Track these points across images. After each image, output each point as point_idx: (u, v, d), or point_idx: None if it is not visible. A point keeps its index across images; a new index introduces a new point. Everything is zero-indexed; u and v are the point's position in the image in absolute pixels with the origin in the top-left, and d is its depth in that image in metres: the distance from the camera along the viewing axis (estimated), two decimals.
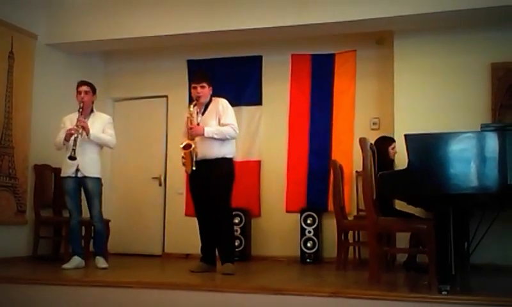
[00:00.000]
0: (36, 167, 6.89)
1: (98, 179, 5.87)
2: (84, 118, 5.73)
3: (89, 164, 5.74)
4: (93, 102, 5.91)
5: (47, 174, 6.98)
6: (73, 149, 5.55)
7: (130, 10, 6.99)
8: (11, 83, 6.65)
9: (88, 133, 5.67)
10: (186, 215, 7.53)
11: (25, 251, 6.67)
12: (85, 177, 5.74)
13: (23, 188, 6.74)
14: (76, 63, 7.65)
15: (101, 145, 5.90)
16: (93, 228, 6.08)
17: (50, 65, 7.24)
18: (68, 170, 5.75)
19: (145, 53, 7.92)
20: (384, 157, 5.71)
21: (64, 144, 5.71)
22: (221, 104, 5.57)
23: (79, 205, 5.86)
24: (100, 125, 5.87)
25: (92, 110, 5.90)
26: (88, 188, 5.78)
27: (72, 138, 5.59)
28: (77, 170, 5.71)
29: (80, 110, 5.73)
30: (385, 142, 6.05)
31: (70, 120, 5.80)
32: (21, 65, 6.78)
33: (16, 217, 6.64)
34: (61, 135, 5.71)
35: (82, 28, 7.10)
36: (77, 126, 5.63)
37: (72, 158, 5.56)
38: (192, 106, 5.53)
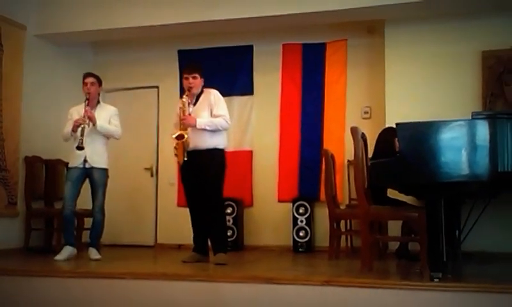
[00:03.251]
0: (26, 158, 6.86)
1: (105, 170, 5.90)
2: (91, 110, 5.77)
3: (96, 154, 5.79)
4: (99, 94, 5.95)
5: (37, 165, 6.96)
6: (81, 140, 5.60)
7: (120, 0, 6.93)
8: (1, 74, 6.60)
9: (94, 124, 5.72)
10: (178, 205, 7.53)
11: (17, 242, 6.65)
12: (92, 168, 5.78)
13: (14, 180, 6.71)
14: (66, 54, 7.62)
15: (107, 136, 5.93)
16: (92, 218, 6.02)
17: (40, 56, 7.19)
18: (75, 161, 5.78)
19: (136, 43, 7.86)
20: (390, 148, 5.70)
21: (71, 135, 5.75)
22: (213, 95, 5.57)
23: (76, 195, 5.85)
24: (106, 116, 5.90)
25: (98, 102, 5.94)
26: (94, 178, 5.82)
27: (79, 129, 5.63)
28: (85, 161, 5.74)
29: (87, 101, 5.78)
30: (394, 133, 5.96)
31: (77, 111, 5.85)
32: (10, 56, 6.73)
33: (7, 209, 6.62)
34: (69, 127, 5.75)
35: (72, 18, 7.06)
36: (84, 117, 5.67)
37: (80, 148, 5.60)
38: (184, 97, 5.52)
